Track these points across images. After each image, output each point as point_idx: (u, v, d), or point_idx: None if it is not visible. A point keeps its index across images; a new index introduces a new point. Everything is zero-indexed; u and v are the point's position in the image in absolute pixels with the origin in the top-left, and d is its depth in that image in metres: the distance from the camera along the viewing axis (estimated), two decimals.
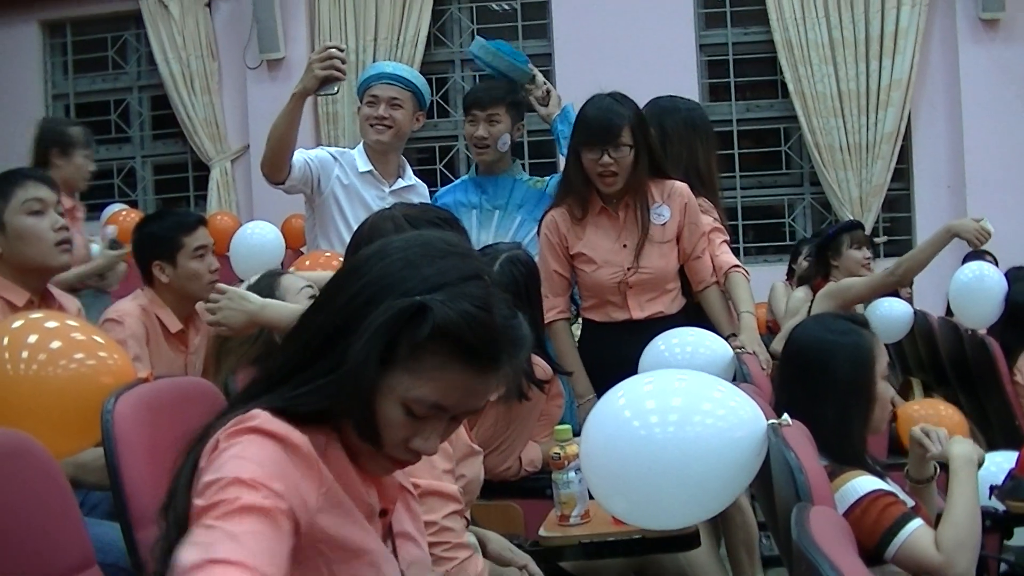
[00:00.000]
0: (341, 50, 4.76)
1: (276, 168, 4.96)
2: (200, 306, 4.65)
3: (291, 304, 3.52)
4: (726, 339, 4.48)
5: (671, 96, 5.28)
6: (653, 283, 4.72)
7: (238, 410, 1.76)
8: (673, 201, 4.72)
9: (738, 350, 4.36)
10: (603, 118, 4.58)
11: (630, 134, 4.58)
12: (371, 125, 5.19)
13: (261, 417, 1.70)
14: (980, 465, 3.27)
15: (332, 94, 4.95)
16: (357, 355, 1.74)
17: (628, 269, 4.69)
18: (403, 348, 1.76)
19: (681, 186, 4.76)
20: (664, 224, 4.71)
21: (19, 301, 3.86)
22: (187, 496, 1.68)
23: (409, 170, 5.43)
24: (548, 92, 5.62)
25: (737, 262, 4.87)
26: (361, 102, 5.31)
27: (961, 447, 3.25)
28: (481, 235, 5.25)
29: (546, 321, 4.70)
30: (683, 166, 4.96)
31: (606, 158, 4.55)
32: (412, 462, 1.87)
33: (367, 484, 1.88)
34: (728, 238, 5.00)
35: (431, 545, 3.04)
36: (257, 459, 1.64)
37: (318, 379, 1.78)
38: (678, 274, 4.82)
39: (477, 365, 1.78)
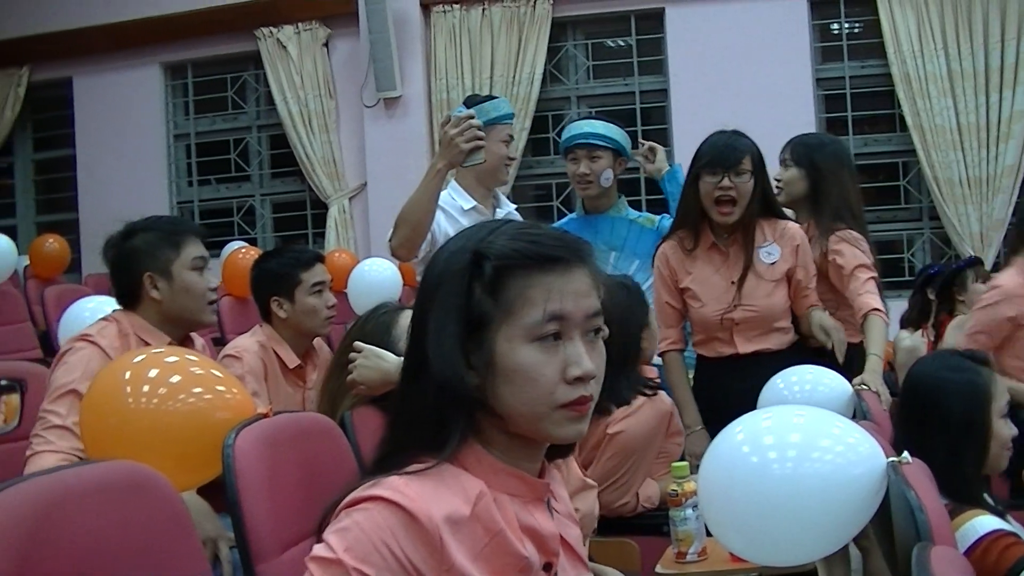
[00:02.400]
0: (473, 117, 4.68)
1: (414, 247, 4.70)
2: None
3: None
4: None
5: (811, 133, 5.27)
6: (758, 321, 4.68)
7: (384, 466, 1.81)
8: (785, 242, 4.69)
9: (859, 387, 4.31)
10: (726, 144, 4.59)
11: (751, 163, 4.57)
12: (505, 165, 5.17)
13: (392, 482, 1.73)
14: None
15: (479, 163, 4.71)
16: (445, 338, 1.80)
17: (734, 306, 4.67)
18: (485, 302, 1.80)
19: (795, 228, 4.74)
20: (773, 263, 4.67)
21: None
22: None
23: (503, 198, 5.39)
24: (652, 149, 5.68)
25: (879, 306, 4.67)
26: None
27: None
28: None
29: (660, 351, 4.79)
30: (834, 201, 4.93)
31: (726, 182, 4.54)
32: (586, 398, 1.83)
33: (523, 535, 1.85)
34: (875, 275, 4.82)
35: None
36: (357, 536, 1.69)
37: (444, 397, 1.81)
38: (789, 313, 4.77)
39: (555, 264, 1.82)
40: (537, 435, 1.86)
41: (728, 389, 4.47)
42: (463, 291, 1.80)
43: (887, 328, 4.69)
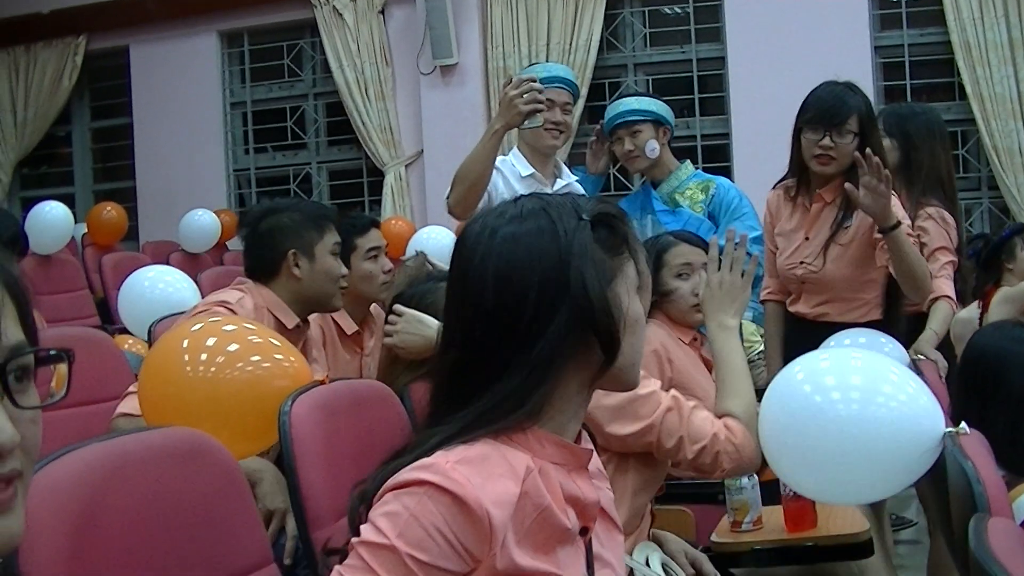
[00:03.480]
0: (535, 80, 4.69)
1: (469, 206, 4.75)
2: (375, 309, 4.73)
3: None
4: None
5: (904, 103, 5.20)
6: (823, 286, 4.63)
7: (430, 439, 1.82)
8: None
9: (916, 357, 4.28)
10: (831, 100, 4.51)
11: (857, 123, 4.48)
12: (546, 130, 5.16)
13: (439, 466, 1.73)
14: None
15: (538, 126, 4.79)
16: (592, 289, 1.85)
17: (799, 262, 4.65)
18: (607, 262, 1.91)
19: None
20: (846, 228, 4.56)
21: (289, 324, 4.05)
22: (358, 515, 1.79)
23: (565, 169, 5.43)
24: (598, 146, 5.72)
25: (949, 292, 4.61)
26: None
27: None
28: None
29: (760, 299, 4.92)
30: (926, 173, 4.88)
31: (827, 140, 4.48)
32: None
33: (566, 505, 1.87)
34: (954, 259, 4.78)
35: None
36: (408, 522, 1.70)
37: (532, 362, 1.83)
38: (872, 289, 4.63)
39: (628, 225, 2.01)
40: (624, 384, 2.00)
41: (797, 346, 4.48)
42: (595, 252, 1.88)
43: (952, 316, 4.62)
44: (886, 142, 4.85)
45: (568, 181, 5.26)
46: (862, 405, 2.74)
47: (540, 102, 4.61)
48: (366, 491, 1.81)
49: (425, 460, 1.75)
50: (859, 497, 3.01)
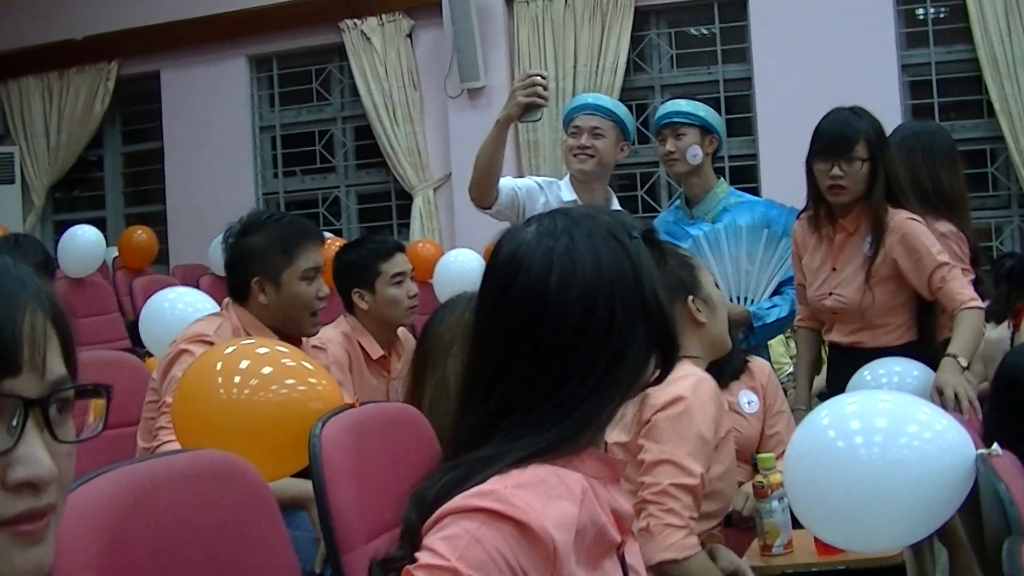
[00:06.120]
0: (543, 77, 4.80)
1: (483, 192, 5.04)
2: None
3: None
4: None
5: (918, 121, 5.15)
6: (851, 314, 4.56)
7: (477, 464, 1.77)
8: (889, 234, 4.42)
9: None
10: (836, 129, 4.45)
11: (866, 148, 4.40)
12: (574, 155, 5.20)
13: (498, 493, 1.69)
14: None
15: (535, 120, 4.96)
16: (666, 306, 1.90)
17: (828, 293, 4.59)
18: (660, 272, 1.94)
19: (899, 220, 4.42)
20: (870, 255, 4.48)
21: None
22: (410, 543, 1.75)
23: (615, 201, 5.43)
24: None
25: (966, 299, 4.31)
26: (566, 134, 5.37)
27: None
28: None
29: (794, 326, 4.98)
30: (930, 191, 4.81)
31: (836, 170, 4.40)
32: None
33: (613, 520, 1.86)
34: (964, 268, 4.59)
35: (643, 502, 3.08)
36: (470, 544, 1.65)
37: (609, 383, 1.84)
38: (904, 312, 4.55)
39: None
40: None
41: (836, 375, 4.48)
42: (647, 263, 1.90)
43: (978, 321, 4.51)
44: None
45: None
46: (884, 448, 2.71)
47: (542, 96, 4.73)
48: (425, 496, 1.77)
49: (482, 487, 1.70)
50: (890, 542, 2.95)
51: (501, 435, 1.81)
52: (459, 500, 1.70)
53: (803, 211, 4.74)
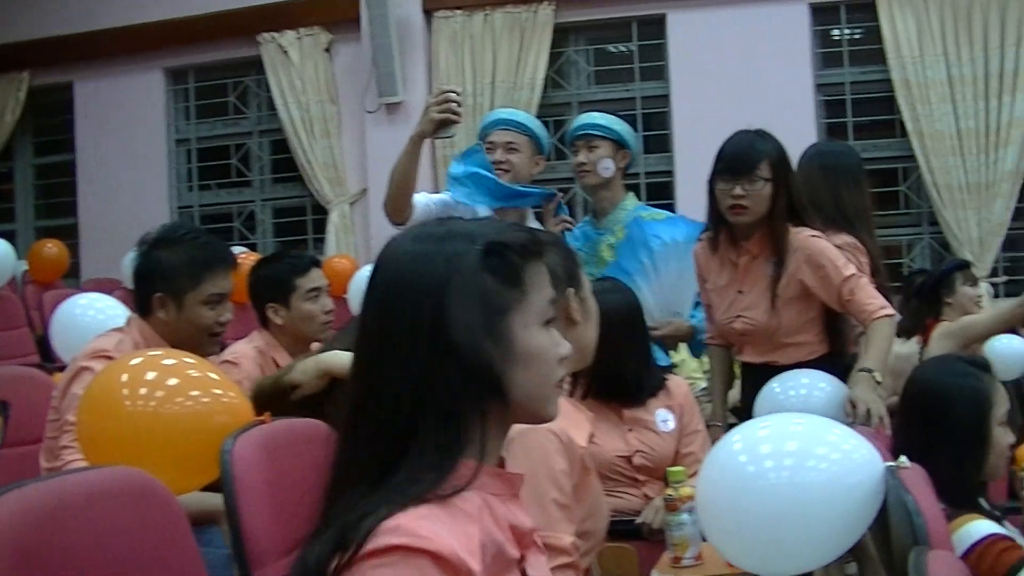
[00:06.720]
0: (458, 93, 4.80)
1: (398, 208, 5.05)
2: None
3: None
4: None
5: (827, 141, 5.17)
6: (760, 335, 4.54)
7: (373, 506, 1.69)
8: (791, 256, 4.41)
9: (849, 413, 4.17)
10: (740, 149, 4.41)
11: (769, 169, 4.36)
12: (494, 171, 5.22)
13: (405, 527, 1.63)
14: None
15: (449, 137, 4.97)
16: (476, 331, 1.78)
17: (735, 316, 4.57)
18: (503, 291, 1.83)
19: (801, 240, 4.41)
20: (776, 277, 4.45)
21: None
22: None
23: (532, 217, 5.44)
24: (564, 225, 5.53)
25: (875, 308, 4.33)
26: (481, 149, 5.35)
27: None
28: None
29: (705, 342, 4.94)
30: (834, 208, 4.82)
31: (738, 190, 4.35)
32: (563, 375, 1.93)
33: (511, 537, 1.84)
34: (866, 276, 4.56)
35: None
36: None
37: (456, 408, 1.77)
38: (813, 328, 4.53)
39: (543, 253, 1.91)
40: (535, 417, 1.90)
41: (749, 391, 4.48)
42: (480, 283, 1.80)
43: (890, 331, 4.56)
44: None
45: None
46: (793, 471, 2.71)
47: (456, 113, 4.77)
48: (307, 561, 1.69)
49: (388, 523, 1.63)
50: (805, 565, 2.96)
51: (376, 467, 1.76)
52: (366, 544, 1.63)
53: (704, 232, 4.70)
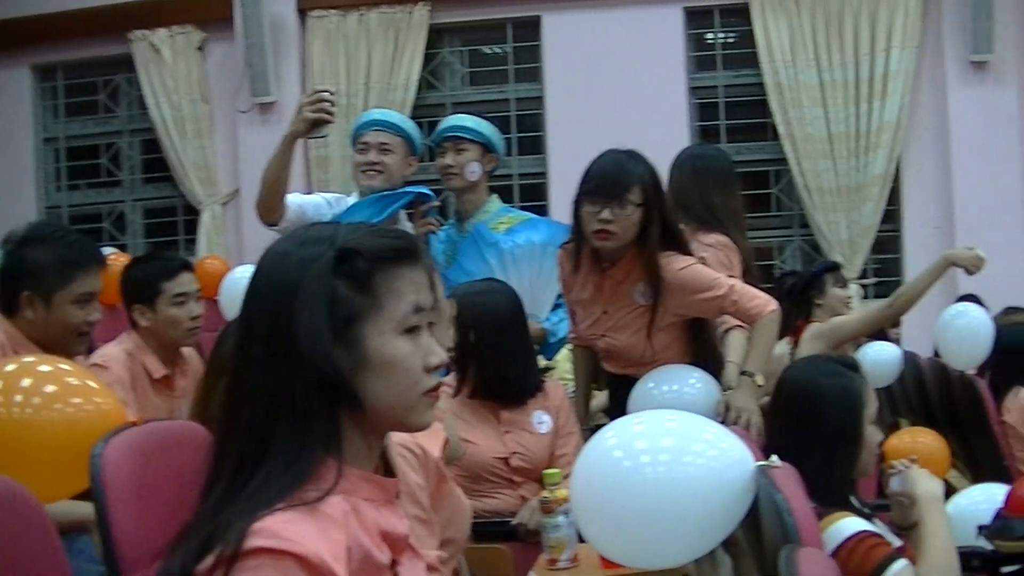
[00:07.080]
0: (332, 93, 4.78)
1: (269, 209, 5.03)
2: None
3: None
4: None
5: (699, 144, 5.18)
6: (624, 354, 4.53)
7: (235, 512, 1.69)
8: (665, 290, 4.32)
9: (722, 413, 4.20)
10: (611, 171, 4.23)
11: (640, 194, 4.20)
12: (362, 171, 5.21)
13: (270, 529, 1.63)
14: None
15: (322, 136, 4.96)
16: (321, 337, 1.78)
17: (600, 335, 4.55)
18: (354, 298, 1.81)
19: (672, 273, 4.29)
20: (643, 305, 4.40)
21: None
22: None
23: (404, 218, 5.40)
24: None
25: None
26: (354, 150, 5.33)
27: (926, 486, 3.26)
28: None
29: (570, 341, 4.97)
30: (702, 209, 4.83)
31: (607, 214, 4.18)
32: (439, 385, 1.91)
33: (382, 543, 1.83)
34: (735, 275, 4.61)
35: None
36: None
37: (303, 412, 1.77)
38: (680, 343, 4.51)
39: (410, 259, 1.87)
40: (400, 426, 1.89)
41: (617, 396, 4.52)
42: (330, 289, 1.80)
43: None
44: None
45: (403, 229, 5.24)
46: (669, 466, 2.71)
47: (329, 112, 4.76)
48: (184, 564, 1.68)
49: (254, 526, 1.63)
50: (677, 558, 2.97)
51: (241, 467, 1.77)
52: (230, 545, 1.63)
53: (567, 243, 4.57)
